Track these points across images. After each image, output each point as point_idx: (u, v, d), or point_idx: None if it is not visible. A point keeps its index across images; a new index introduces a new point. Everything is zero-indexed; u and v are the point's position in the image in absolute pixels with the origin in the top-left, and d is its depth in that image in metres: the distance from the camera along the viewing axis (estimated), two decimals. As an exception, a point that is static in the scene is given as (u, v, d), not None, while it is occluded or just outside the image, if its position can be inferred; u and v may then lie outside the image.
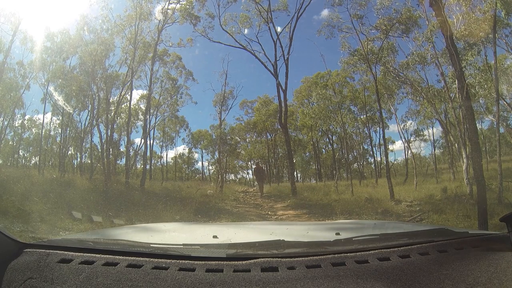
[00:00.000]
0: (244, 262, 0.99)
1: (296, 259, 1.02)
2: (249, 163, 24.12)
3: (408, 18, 12.00)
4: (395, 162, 22.25)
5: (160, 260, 1.01)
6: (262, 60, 14.40)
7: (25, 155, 21.09)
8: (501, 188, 7.95)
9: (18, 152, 19.74)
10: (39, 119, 18.62)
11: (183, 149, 25.64)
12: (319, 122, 17.06)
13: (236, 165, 25.29)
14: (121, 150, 18.53)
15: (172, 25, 14.34)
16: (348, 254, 1.05)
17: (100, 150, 14.54)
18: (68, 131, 17.21)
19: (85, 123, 16.12)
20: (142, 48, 13.97)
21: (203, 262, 0.99)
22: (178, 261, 1.01)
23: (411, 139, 18.25)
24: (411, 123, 17.47)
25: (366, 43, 12.75)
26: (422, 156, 22.57)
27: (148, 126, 15.59)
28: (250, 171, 23.78)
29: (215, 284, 0.89)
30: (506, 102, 12.16)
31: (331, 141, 22.49)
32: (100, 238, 1.53)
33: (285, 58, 13.67)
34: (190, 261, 1.00)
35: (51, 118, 17.78)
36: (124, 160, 17.45)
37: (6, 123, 15.21)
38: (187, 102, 17.83)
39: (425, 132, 18.92)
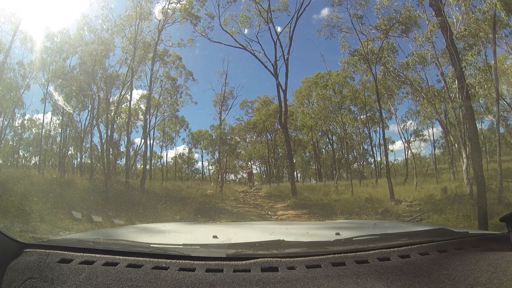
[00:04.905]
0: (244, 262, 0.99)
1: (296, 259, 1.01)
2: (249, 163, 24.14)
3: (408, 18, 12.00)
4: (395, 162, 22.28)
5: (160, 260, 1.01)
6: (262, 60, 14.44)
7: (25, 155, 21.12)
8: (501, 188, 7.94)
9: (18, 152, 19.75)
10: (39, 119, 18.67)
11: (183, 149, 25.70)
12: (319, 122, 17.07)
13: (236, 165, 25.32)
14: (121, 150, 18.58)
15: (172, 25, 14.39)
16: (348, 254, 1.05)
17: (100, 150, 14.56)
18: (68, 131, 17.23)
19: (85, 123, 16.16)
20: (142, 48, 13.97)
21: (203, 262, 0.99)
22: (178, 261, 1.00)
23: (411, 139, 18.24)
24: (411, 123, 17.51)
25: (366, 43, 12.75)
26: (422, 156, 22.61)
27: (148, 126, 15.61)
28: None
29: (215, 284, 0.89)
30: (506, 102, 12.17)
31: (331, 141, 22.49)
32: (100, 238, 1.53)
33: (285, 58, 13.70)
34: (190, 261, 1.00)
35: (51, 118, 17.82)
36: (124, 160, 17.52)
37: (6, 123, 15.22)
38: (187, 102, 17.89)
39: (425, 132, 18.91)
